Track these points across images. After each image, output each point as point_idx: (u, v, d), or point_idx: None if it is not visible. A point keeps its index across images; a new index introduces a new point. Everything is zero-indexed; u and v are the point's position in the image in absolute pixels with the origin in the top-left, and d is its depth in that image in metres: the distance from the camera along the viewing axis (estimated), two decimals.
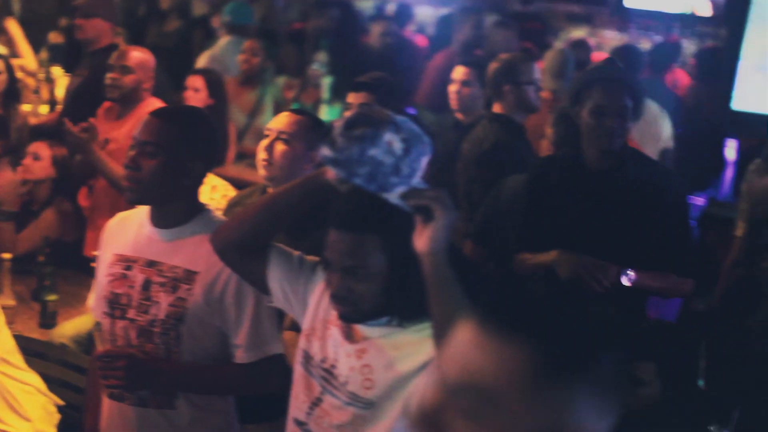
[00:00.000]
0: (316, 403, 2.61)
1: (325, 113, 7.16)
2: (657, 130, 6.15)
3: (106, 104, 5.47)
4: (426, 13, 10.90)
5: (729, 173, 7.77)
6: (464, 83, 5.61)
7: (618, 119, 3.69)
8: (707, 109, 8.19)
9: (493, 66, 5.15)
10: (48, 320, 4.60)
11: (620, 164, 3.77)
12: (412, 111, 6.48)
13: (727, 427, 3.62)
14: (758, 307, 3.78)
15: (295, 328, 3.16)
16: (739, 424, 3.56)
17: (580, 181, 3.80)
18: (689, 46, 10.25)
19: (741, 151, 7.68)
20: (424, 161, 2.31)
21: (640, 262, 3.68)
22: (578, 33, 10.58)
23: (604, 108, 3.69)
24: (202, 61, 8.20)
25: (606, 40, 10.42)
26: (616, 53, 6.86)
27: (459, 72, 5.65)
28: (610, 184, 3.75)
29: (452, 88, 5.65)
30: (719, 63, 8.39)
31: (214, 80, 6.07)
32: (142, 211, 3.10)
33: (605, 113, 3.69)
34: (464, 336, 1.34)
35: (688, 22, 10.79)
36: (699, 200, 7.11)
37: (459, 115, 5.64)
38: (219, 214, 3.14)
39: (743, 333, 4.00)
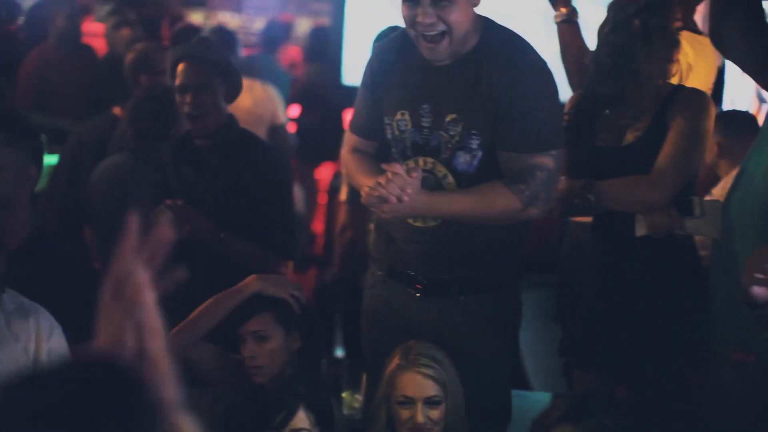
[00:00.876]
0: None
1: None
2: (266, 107, 6.36)
3: None
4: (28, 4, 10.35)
5: None
6: None
7: (200, 96, 3.85)
8: (321, 84, 8.53)
9: (128, 57, 5.15)
10: None
11: (224, 142, 3.92)
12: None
13: (357, 391, 3.83)
14: (367, 268, 3.99)
15: None
16: (368, 387, 3.72)
17: (186, 157, 3.96)
18: (304, 24, 10.52)
19: None
20: None
21: (244, 237, 3.84)
22: (195, 17, 10.58)
23: (186, 86, 3.86)
24: None
25: (222, 22, 10.48)
26: (213, 34, 7.01)
27: None
28: (213, 161, 3.89)
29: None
30: (328, 40, 8.77)
31: None
32: None
33: (188, 90, 3.85)
34: None
35: (303, 0, 11.07)
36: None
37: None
38: None
39: (358, 294, 4.17)
